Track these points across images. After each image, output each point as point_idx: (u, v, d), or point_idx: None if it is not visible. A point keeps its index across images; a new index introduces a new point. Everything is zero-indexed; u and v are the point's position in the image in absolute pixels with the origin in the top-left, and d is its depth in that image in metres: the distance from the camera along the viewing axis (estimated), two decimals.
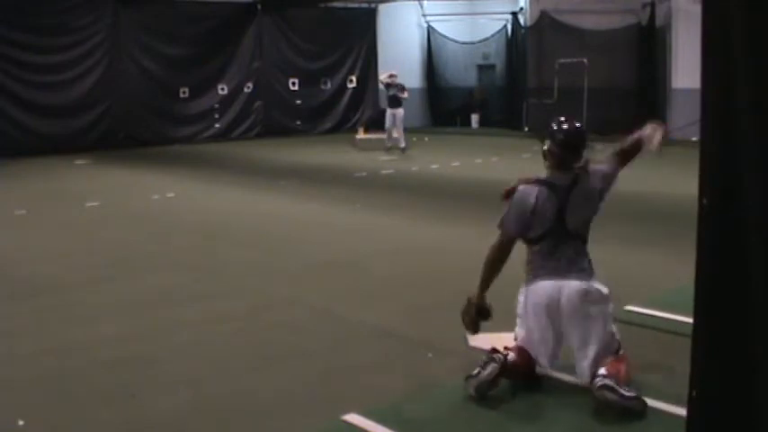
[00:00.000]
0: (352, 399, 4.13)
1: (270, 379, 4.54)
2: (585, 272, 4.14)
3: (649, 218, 9.41)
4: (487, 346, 4.52)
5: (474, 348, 4.75)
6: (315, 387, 4.39)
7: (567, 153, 4.15)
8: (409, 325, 5.45)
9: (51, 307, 6.11)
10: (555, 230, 4.12)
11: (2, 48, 17.73)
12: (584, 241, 4.23)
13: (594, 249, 4.33)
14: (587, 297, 4.04)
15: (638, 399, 3.84)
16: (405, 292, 6.29)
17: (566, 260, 4.12)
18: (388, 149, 17.11)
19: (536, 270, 4.17)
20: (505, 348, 4.16)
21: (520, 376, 4.16)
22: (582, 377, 4.07)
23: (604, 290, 4.13)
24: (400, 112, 17.26)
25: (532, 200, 4.13)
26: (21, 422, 3.96)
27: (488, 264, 4.25)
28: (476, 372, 4.02)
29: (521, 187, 4.21)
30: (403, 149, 16.92)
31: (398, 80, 17.54)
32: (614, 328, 4.16)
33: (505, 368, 4.02)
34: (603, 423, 3.82)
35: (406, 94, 17.44)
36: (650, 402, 3.94)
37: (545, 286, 4.11)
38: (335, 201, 11.18)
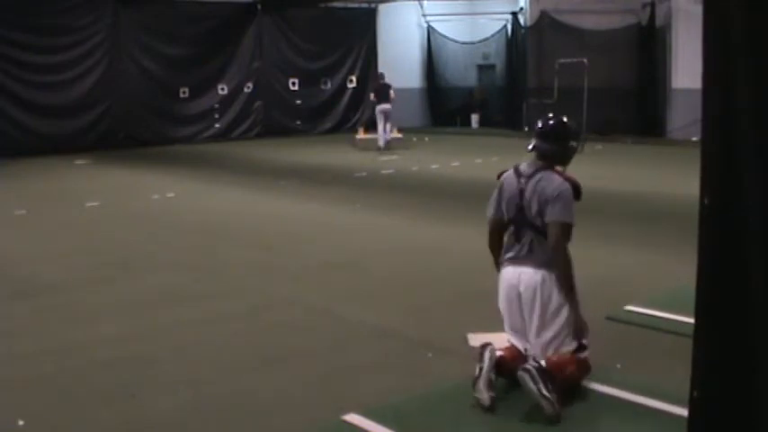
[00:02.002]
0: (352, 399, 4.13)
1: (270, 379, 4.54)
2: (544, 264, 4.07)
3: (650, 218, 9.41)
4: None
5: (474, 348, 4.75)
6: (315, 387, 4.39)
7: (538, 141, 4.20)
8: (409, 325, 5.45)
9: (51, 307, 6.11)
10: (518, 217, 4.16)
11: (2, 48, 17.74)
12: (546, 237, 4.11)
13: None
14: (543, 286, 4.03)
15: (552, 402, 3.77)
16: (405, 292, 6.29)
17: (526, 249, 4.13)
18: (388, 149, 17.46)
19: (503, 256, 4.24)
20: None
21: (511, 372, 4.11)
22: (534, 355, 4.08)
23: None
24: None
25: (501, 181, 4.26)
26: (21, 422, 3.96)
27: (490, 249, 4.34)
28: (477, 372, 3.98)
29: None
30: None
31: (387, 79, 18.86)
32: (579, 323, 4.08)
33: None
34: (603, 423, 3.82)
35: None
36: (650, 402, 3.95)
37: (507, 272, 4.17)
38: (335, 201, 11.18)
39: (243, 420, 3.99)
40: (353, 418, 3.89)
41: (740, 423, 2.44)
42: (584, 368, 4.10)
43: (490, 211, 4.29)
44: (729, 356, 2.44)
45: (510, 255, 4.19)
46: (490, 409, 3.87)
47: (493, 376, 3.95)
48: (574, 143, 4.25)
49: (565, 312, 4.05)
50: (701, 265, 2.50)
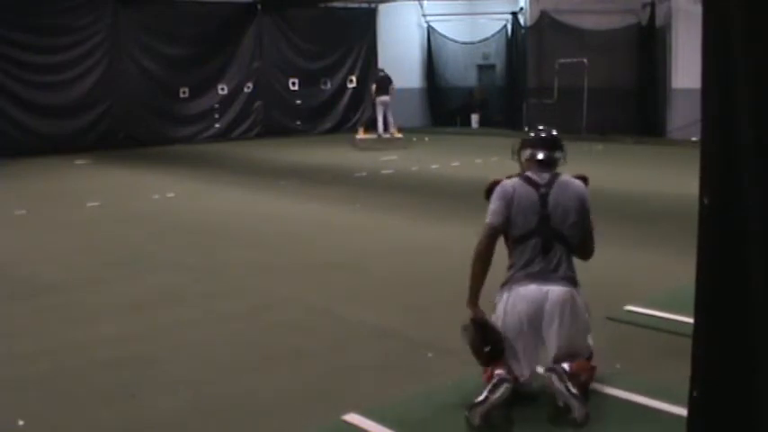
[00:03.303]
0: (352, 399, 4.13)
1: (270, 379, 4.54)
2: (570, 280, 4.03)
3: (650, 218, 9.41)
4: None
5: None
6: (315, 387, 4.39)
7: (546, 151, 4.22)
8: (409, 325, 5.45)
9: (51, 307, 6.11)
10: (540, 230, 4.03)
11: (2, 48, 17.72)
12: (571, 249, 4.11)
13: (596, 249, 4.31)
14: (573, 303, 3.97)
15: (582, 402, 3.74)
16: (405, 292, 6.29)
17: (555, 263, 4.02)
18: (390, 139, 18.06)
19: (518, 272, 4.04)
20: (492, 365, 3.98)
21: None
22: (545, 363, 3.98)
23: (585, 302, 4.08)
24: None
25: (510, 189, 4.11)
26: (21, 422, 3.96)
27: (473, 264, 4.06)
28: (482, 397, 3.76)
29: (502, 182, 4.23)
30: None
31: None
32: (590, 340, 4.11)
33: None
34: (603, 423, 3.81)
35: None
36: (650, 402, 3.95)
37: (529, 291, 3.98)
38: (335, 201, 11.18)
39: (243, 420, 3.99)
40: (353, 418, 3.88)
41: (740, 423, 2.44)
42: (593, 375, 4.10)
43: (494, 219, 4.10)
44: (729, 356, 2.44)
45: (532, 269, 4.01)
46: (475, 428, 3.75)
47: (495, 411, 3.79)
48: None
49: (588, 332, 4.06)
50: (701, 264, 2.50)
